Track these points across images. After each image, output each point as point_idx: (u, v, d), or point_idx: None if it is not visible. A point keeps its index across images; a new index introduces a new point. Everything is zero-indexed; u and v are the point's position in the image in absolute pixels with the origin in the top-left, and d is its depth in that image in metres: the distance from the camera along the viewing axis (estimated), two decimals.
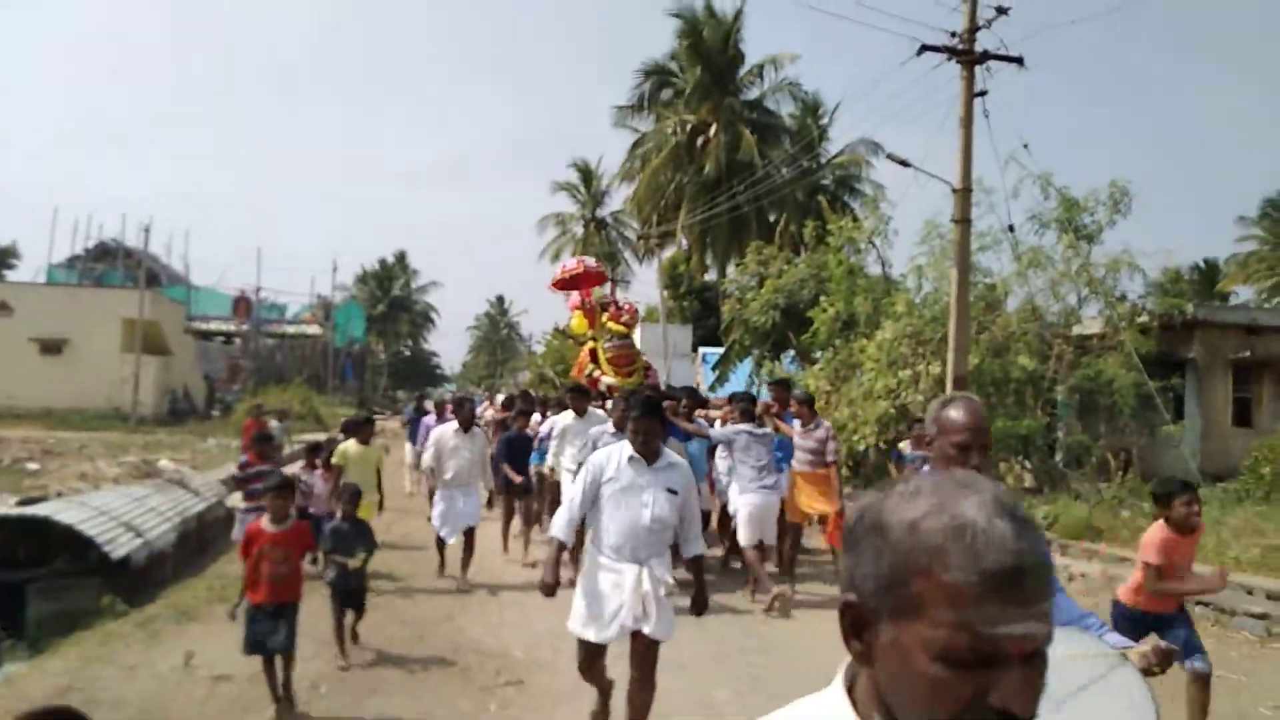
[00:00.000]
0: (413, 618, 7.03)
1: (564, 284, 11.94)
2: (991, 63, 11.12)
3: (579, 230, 40.03)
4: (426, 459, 8.74)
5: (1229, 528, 10.13)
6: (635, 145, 31.39)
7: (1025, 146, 12.15)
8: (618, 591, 4.35)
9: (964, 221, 11.39)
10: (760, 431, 7.86)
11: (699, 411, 9.01)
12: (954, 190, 11.39)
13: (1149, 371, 13.24)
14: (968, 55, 11.07)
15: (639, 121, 31.66)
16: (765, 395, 12.11)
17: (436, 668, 5.84)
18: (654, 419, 4.51)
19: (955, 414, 2.45)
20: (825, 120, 30.21)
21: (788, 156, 28.80)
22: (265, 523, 5.14)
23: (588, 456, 4.94)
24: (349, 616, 6.06)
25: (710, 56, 29.06)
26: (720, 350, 22.18)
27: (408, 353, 68.17)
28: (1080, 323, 14.56)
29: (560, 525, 4.53)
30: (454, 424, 8.54)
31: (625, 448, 4.53)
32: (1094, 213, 13.82)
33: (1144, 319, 14.28)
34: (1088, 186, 13.93)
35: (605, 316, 11.27)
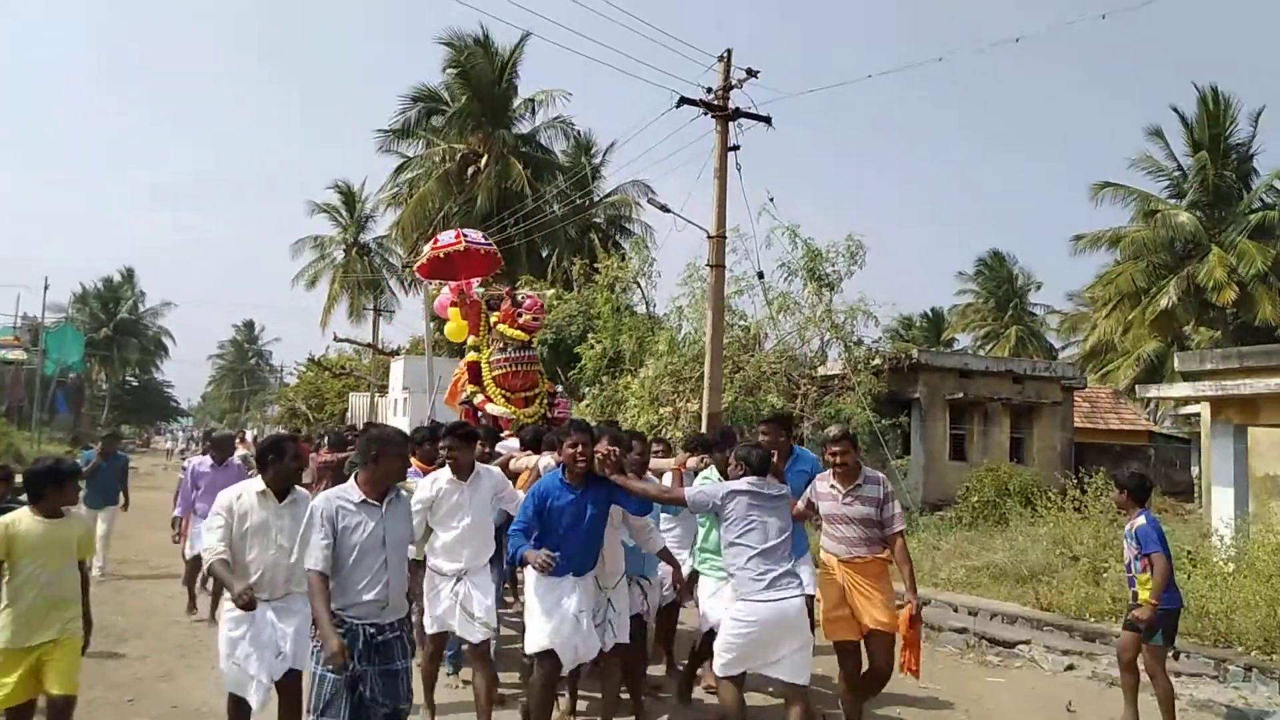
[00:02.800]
0: (123, 678, 6.10)
1: (436, 267, 8.71)
2: (748, 119, 11.79)
3: (339, 255, 38.12)
4: (209, 545, 4.14)
5: (942, 551, 11.22)
6: (400, 169, 30.45)
7: (771, 200, 12.89)
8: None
9: (718, 267, 11.93)
10: (773, 491, 4.76)
11: (674, 465, 6.01)
12: (709, 236, 11.91)
13: (883, 410, 14.49)
14: (721, 111, 11.69)
15: (406, 146, 30.77)
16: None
17: None
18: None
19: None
20: (598, 159, 30.90)
21: (559, 192, 29.10)
22: None
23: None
24: None
25: (482, 86, 28.85)
26: None
27: (135, 382, 61.60)
28: (824, 364, 15.72)
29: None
30: (254, 482, 4.29)
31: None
32: (834, 263, 15.00)
33: (877, 362, 15.66)
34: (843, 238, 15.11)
35: (495, 317, 8.10)
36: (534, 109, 30.47)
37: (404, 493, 4.19)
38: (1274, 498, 9.30)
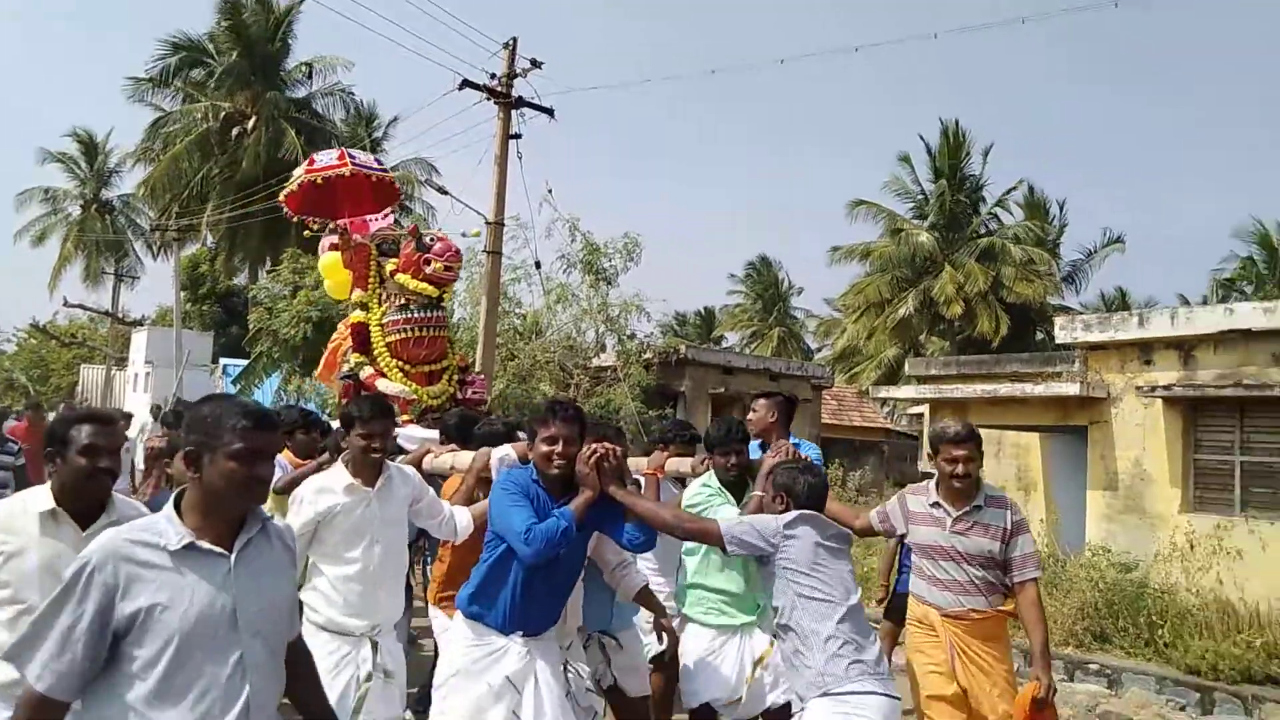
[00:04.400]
0: None
1: (310, 198, 6.57)
2: (531, 109, 11.79)
3: (75, 211, 34.08)
4: None
5: None
6: (156, 124, 27.68)
7: (550, 191, 13.09)
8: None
9: (495, 253, 11.87)
10: (835, 530, 3.29)
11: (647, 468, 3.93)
12: (488, 223, 11.83)
13: (650, 401, 15.04)
14: (504, 98, 11.63)
15: (163, 99, 28.00)
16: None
17: None
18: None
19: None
20: (379, 133, 29.64)
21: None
22: None
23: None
24: None
25: (254, 43, 26.82)
26: (244, 363, 20.41)
27: None
28: (599, 356, 16.07)
29: None
30: (41, 492, 2.56)
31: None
32: (612, 258, 15.37)
33: (648, 355, 16.23)
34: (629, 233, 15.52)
35: (392, 265, 6.28)
36: (311, 74, 28.75)
37: (271, 520, 2.18)
38: None
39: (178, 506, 1.99)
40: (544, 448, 3.12)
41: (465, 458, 4.25)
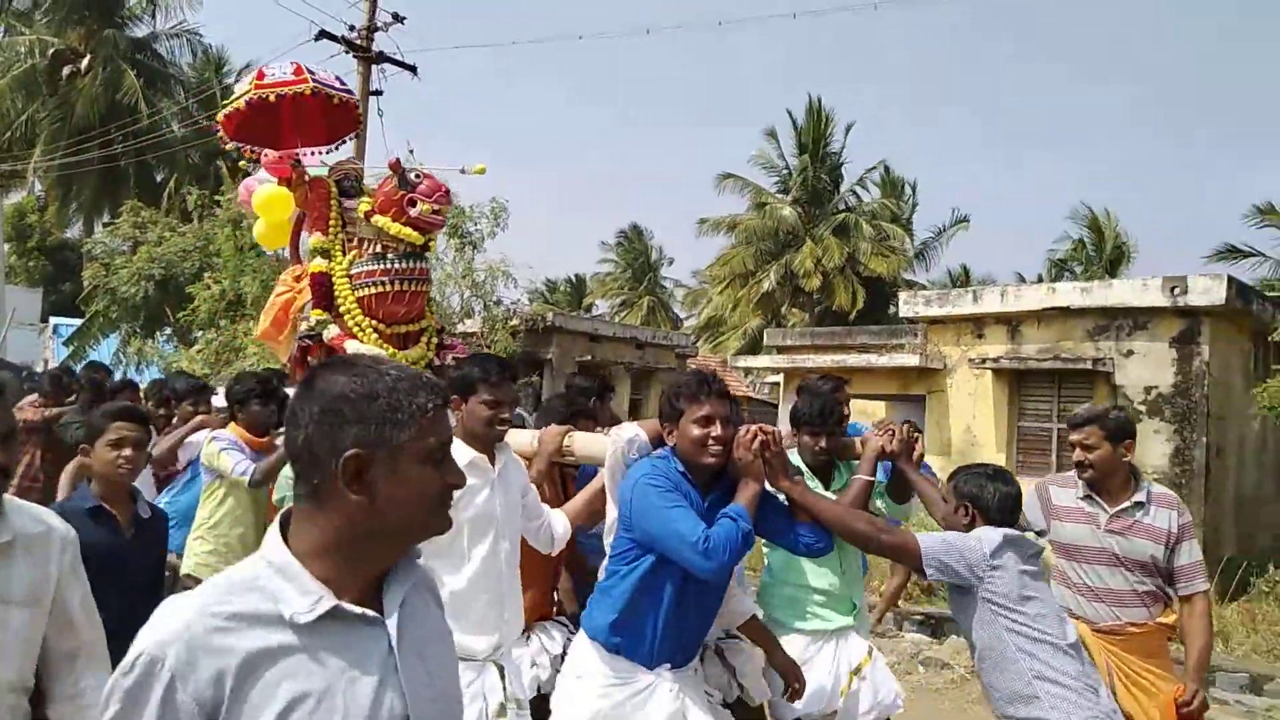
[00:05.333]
0: None
1: (252, 122, 5.46)
2: (393, 66, 11.41)
3: None
4: None
5: None
6: None
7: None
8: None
9: None
10: (1033, 550, 2.71)
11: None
12: None
13: (517, 369, 14.98)
14: (364, 52, 11.22)
15: None
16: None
17: None
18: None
19: None
20: (231, 79, 27.94)
21: (181, 109, 25.92)
22: None
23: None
24: None
25: None
26: (78, 322, 19.04)
27: None
28: (465, 321, 15.85)
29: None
30: None
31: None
32: (478, 222, 15.14)
33: (515, 322, 16.13)
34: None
35: (366, 205, 5.31)
36: (154, 11, 26.73)
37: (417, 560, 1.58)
38: None
39: (285, 539, 1.22)
40: (696, 430, 2.55)
41: (524, 437, 3.27)
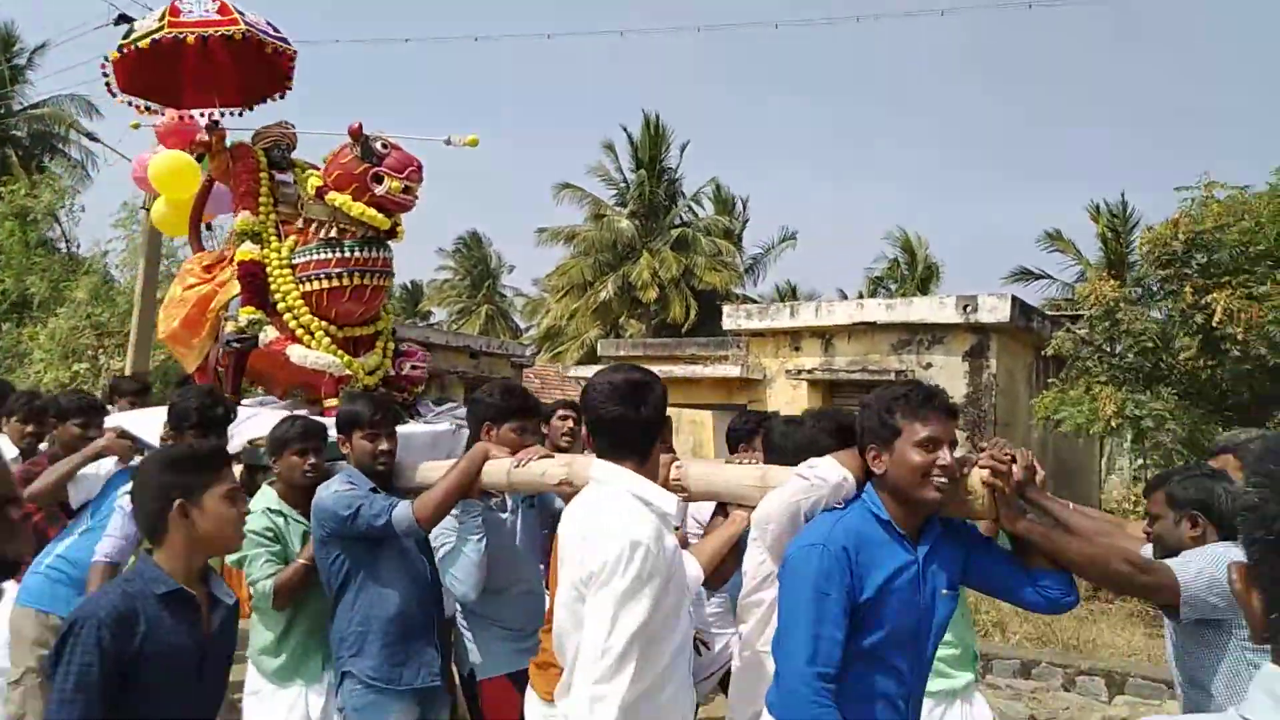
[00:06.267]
0: None
1: (150, 67, 4.56)
2: None
3: None
4: None
5: None
6: None
7: (136, 126, 11.13)
8: None
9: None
10: None
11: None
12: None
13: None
14: None
15: None
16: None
17: None
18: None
19: None
20: (21, 60, 25.47)
21: None
22: None
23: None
24: None
25: None
26: None
27: None
28: None
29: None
30: None
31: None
32: None
33: None
34: None
35: (315, 180, 4.33)
36: None
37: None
38: None
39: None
40: (918, 457, 1.99)
41: (786, 487, 2.26)
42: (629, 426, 2.08)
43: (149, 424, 3.76)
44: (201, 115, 4.65)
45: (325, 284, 4.18)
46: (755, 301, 24.39)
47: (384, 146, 4.15)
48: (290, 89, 5.04)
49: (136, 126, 4.93)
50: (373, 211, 4.13)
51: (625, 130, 28.93)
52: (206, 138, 4.52)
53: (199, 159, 4.75)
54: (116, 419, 4.04)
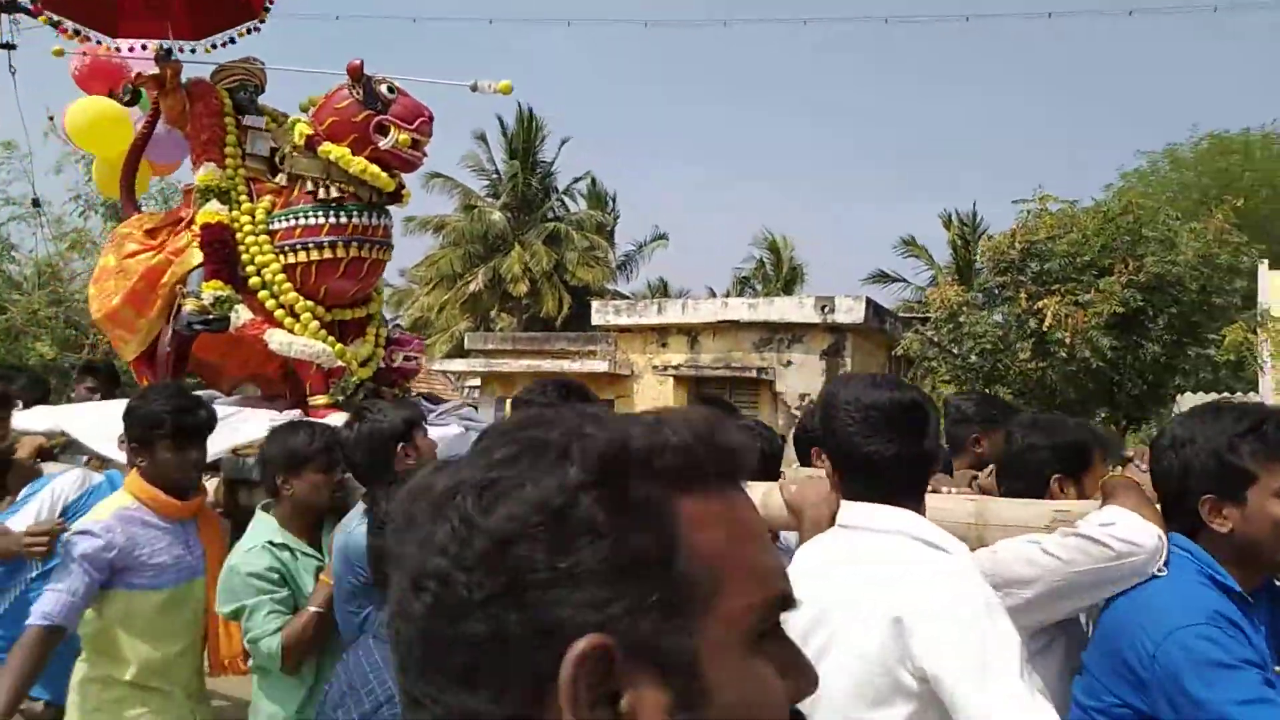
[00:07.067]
0: None
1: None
2: (26, 16, 9.88)
3: None
4: None
5: None
6: None
7: (52, 119, 10.80)
8: None
9: None
10: None
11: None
12: None
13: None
14: None
15: None
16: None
17: None
18: None
19: None
20: None
21: None
22: None
23: None
24: None
25: None
26: None
27: None
28: None
29: None
30: None
31: None
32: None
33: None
34: None
35: (305, 128, 3.51)
36: None
37: None
38: None
39: None
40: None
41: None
42: (910, 465, 1.53)
43: (108, 423, 2.90)
44: (144, 47, 3.82)
45: (315, 255, 3.46)
46: (627, 298, 24.58)
47: (390, 91, 3.49)
48: (264, 20, 4.04)
49: (60, 54, 4.04)
50: (375, 169, 3.45)
51: (500, 120, 28.56)
52: (155, 71, 3.71)
53: (135, 97, 3.94)
54: (68, 411, 3.28)
